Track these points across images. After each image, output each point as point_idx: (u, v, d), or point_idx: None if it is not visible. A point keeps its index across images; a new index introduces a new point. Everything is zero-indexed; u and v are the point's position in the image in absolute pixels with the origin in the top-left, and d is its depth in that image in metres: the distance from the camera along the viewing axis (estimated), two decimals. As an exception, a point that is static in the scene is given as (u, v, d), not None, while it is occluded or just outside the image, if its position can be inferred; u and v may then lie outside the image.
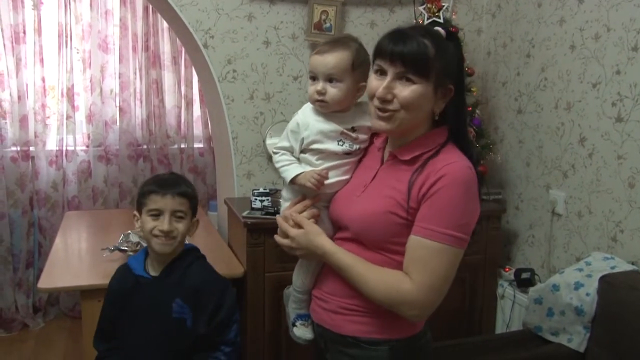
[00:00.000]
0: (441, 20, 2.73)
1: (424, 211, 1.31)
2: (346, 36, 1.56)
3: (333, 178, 1.49)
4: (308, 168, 1.50)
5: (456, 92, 1.37)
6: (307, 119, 1.51)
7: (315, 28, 2.83)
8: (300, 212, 1.49)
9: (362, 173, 1.50)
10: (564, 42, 2.54)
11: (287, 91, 2.90)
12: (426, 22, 2.77)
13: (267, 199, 2.49)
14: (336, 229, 1.52)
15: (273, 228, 2.40)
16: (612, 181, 2.30)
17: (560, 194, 2.56)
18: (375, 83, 1.35)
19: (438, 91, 1.34)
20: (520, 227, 2.86)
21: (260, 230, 2.42)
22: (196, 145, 4.15)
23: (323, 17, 2.83)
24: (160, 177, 1.87)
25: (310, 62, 1.51)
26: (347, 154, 1.51)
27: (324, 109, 1.49)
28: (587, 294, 2.06)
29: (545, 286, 2.22)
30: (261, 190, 2.55)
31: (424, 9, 2.82)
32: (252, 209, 2.50)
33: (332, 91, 1.46)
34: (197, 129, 4.15)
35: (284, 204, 1.58)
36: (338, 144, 1.49)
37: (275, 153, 1.58)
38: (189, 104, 4.07)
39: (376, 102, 1.34)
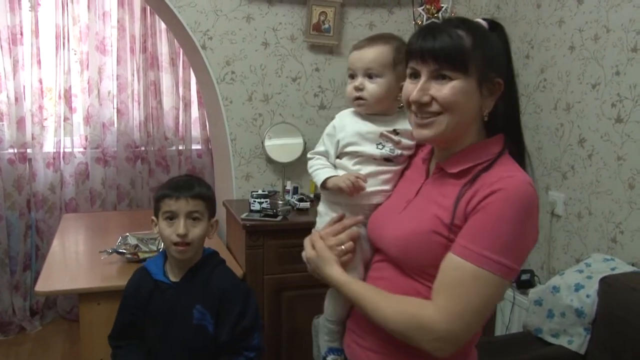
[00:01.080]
0: (440, 22, 2.72)
1: (467, 227, 1.12)
2: (388, 33, 1.45)
3: (371, 187, 1.34)
4: (338, 173, 1.38)
5: (506, 88, 1.20)
6: (344, 121, 1.41)
7: (314, 29, 2.83)
8: (339, 234, 1.31)
9: (404, 187, 1.34)
10: (563, 43, 2.54)
11: (286, 92, 2.89)
12: (425, 23, 2.77)
13: (266, 201, 2.48)
14: (374, 250, 1.34)
15: (272, 230, 2.42)
16: (612, 182, 2.29)
17: (559, 195, 2.56)
18: (410, 87, 1.19)
19: (483, 87, 1.16)
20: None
21: (259, 233, 2.41)
22: (194, 147, 4.14)
23: (322, 18, 2.82)
24: (175, 180, 1.84)
25: (349, 59, 1.42)
26: (387, 160, 1.36)
27: (363, 108, 1.38)
28: (588, 296, 2.05)
29: (546, 288, 2.21)
30: (260, 192, 2.54)
31: (423, 10, 2.82)
32: (251, 211, 2.49)
33: (371, 87, 1.36)
34: (195, 131, 4.14)
35: (319, 220, 1.44)
36: (377, 147, 1.36)
37: (310, 158, 1.46)
38: (187, 105, 4.06)
39: (413, 107, 1.19)
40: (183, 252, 1.73)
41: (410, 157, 1.40)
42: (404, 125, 1.37)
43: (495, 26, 1.23)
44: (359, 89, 1.37)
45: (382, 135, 1.36)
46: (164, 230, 1.74)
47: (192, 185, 1.77)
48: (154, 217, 1.80)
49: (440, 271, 1.13)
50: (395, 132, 1.37)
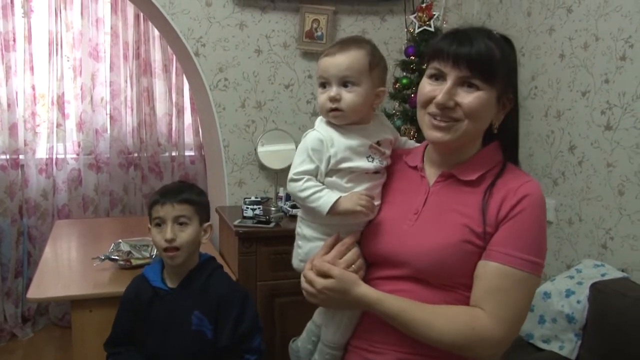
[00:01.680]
0: (432, 29, 2.74)
1: (504, 235, 1.14)
2: (357, 36, 1.35)
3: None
4: (340, 194, 1.24)
5: (514, 103, 1.23)
6: (330, 134, 1.27)
7: (306, 36, 2.84)
8: (343, 255, 1.23)
9: (401, 198, 1.28)
10: (553, 51, 2.56)
11: (279, 99, 2.90)
12: (417, 30, 2.79)
13: (259, 208, 2.49)
14: (370, 266, 1.29)
15: (265, 237, 2.42)
16: (602, 189, 2.31)
17: (550, 201, 2.57)
18: (430, 88, 1.17)
19: (501, 100, 1.19)
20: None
21: (251, 239, 2.41)
22: (187, 153, 4.14)
23: (314, 25, 2.84)
24: (166, 186, 1.85)
25: (319, 66, 1.28)
26: (377, 172, 1.29)
27: (339, 119, 1.27)
28: (578, 302, 2.07)
29: (537, 294, 2.22)
30: (253, 198, 2.54)
31: (415, 17, 2.84)
32: (244, 217, 2.50)
33: (348, 97, 1.24)
34: (188, 137, 4.15)
35: (308, 246, 1.31)
36: (368, 161, 1.27)
37: (296, 180, 1.27)
38: (180, 111, 4.06)
39: (433, 108, 1.17)
40: (173, 257, 1.73)
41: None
42: (383, 134, 1.32)
43: (508, 42, 1.24)
44: (335, 99, 1.25)
45: (371, 147, 1.28)
46: (154, 236, 1.75)
47: (180, 191, 1.78)
48: (149, 225, 1.81)
49: (481, 279, 1.14)
50: (379, 143, 1.30)
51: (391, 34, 2.99)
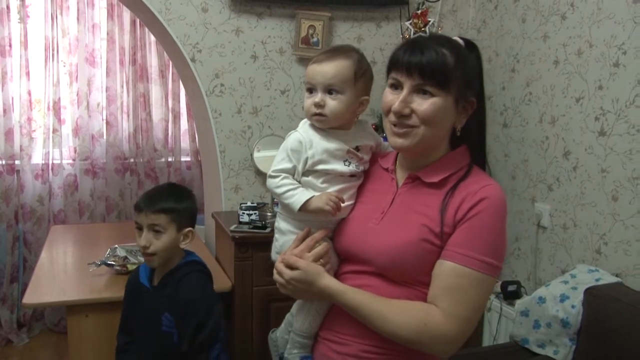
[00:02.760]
0: (426, 37, 2.76)
1: (460, 236, 1.18)
2: (346, 45, 1.41)
3: (342, 203, 1.34)
4: (314, 193, 1.33)
5: (477, 105, 1.27)
6: (310, 137, 1.35)
7: (302, 42, 2.86)
8: (312, 248, 1.30)
9: (372, 198, 1.35)
10: (547, 57, 2.58)
11: (275, 105, 2.91)
12: (412, 37, 2.81)
13: (255, 213, 2.49)
14: (342, 261, 1.36)
15: (261, 242, 2.42)
16: (596, 194, 2.33)
17: (545, 207, 2.59)
18: (391, 97, 1.23)
19: (459, 104, 1.23)
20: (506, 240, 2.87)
21: (248, 244, 2.42)
22: (183, 158, 4.15)
23: (310, 31, 2.85)
24: (149, 191, 1.91)
25: (307, 72, 1.36)
26: (353, 175, 1.37)
27: (322, 124, 1.35)
28: (573, 306, 2.08)
29: (532, 299, 2.23)
30: (249, 204, 2.55)
31: (411, 24, 2.86)
32: (240, 222, 2.50)
33: (332, 104, 1.32)
34: (185, 143, 4.15)
35: (283, 239, 1.39)
36: (344, 164, 1.34)
37: (274, 177, 1.37)
38: (176, 117, 4.08)
39: (392, 117, 1.23)
40: (149, 261, 1.81)
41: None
42: (363, 140, 1.39)
43: (471, 46, 1.29)
44: (319, 105, 1.32)
45: (348, 152, 1.35)
46: (136, 239, 1.82)
47: (158, 199, 1.81)
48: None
49: (437, 278, 1.19)
50: (357, 148, 1.37)
51: (387, 40, 3.01)
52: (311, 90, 1.35)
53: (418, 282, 1.22)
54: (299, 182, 1.36)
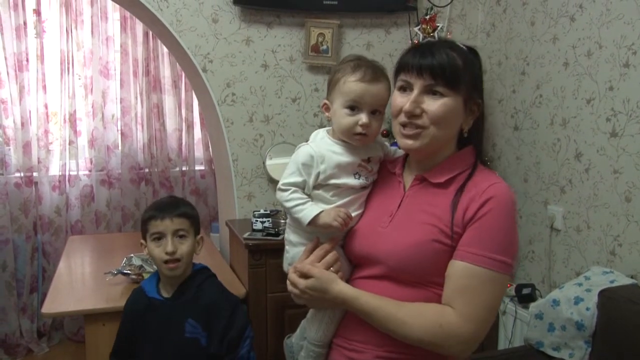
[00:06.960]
0: (434, 42, 2.77)
1: (471, 235, 1.19)
2: (379, 65, 1.38)
3: (352, 214, 1.35)
4: (323, 206, 1.34)
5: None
6: (322, 151, 1.34)
7: (312, 50, 2.88)
8: (322, 258, 1.31)
9: (380, 202, 1.37)
10: (557, 59, 2.58)
11: (286, 113, 2.94)
12: (422, 42, 2.82)
13: (268, 220, 2.51)
14: (354, 266, 1.37)
15: (274, 249, 2.44)
16: (609, 195, 2.32)
17: (558, 209, 2.58)
18: (400, 99, 1.25)
19: (467, 106, 1.26)
20: (520, 242, 2.86)
21: (261, 252, 2.44)
22: (197, 167, 4.18)
23: (320, 39, 2.88)
24: (159, 201, 1.94)
25: (351, 89, 1.31)
26: (363, 187, 1.38)
27: (360, 142, 1.34)
28: (587, 309, 2.06)
29: (546, 301, 2.22)
30: (262, 211, 2.57)
31: (419, 29, 2.87)
32: (253, 230, 2.52)
33: (376, 125, 1.32)
34: (198, 152, 4.19)
35: (293, 250, 1.40)
36: (355, 178, 1.35)
37: (284, 190, 1.36)
38: (190, 127, 4.12)
39: (402, 118, 1.24)
40: (174, 269, 1.80)
41: None
42: (374, 151, 1.40)
43: (472, 52, 1.32)
44: (367, 126, 1.31)
45: (359, 165, 1.36)
46: (153, 250, 1.81)
47: (176, 205, 1.85)
48: (142, 241, 1.87)
49: (450, 278, 1.20)
50: (368, 160, 1.38)
51: (396, 46, 3.02)
52: (353, 108, 1.32)
53: (430, 282, 1.23)
54: (309, 195, 1.36)
